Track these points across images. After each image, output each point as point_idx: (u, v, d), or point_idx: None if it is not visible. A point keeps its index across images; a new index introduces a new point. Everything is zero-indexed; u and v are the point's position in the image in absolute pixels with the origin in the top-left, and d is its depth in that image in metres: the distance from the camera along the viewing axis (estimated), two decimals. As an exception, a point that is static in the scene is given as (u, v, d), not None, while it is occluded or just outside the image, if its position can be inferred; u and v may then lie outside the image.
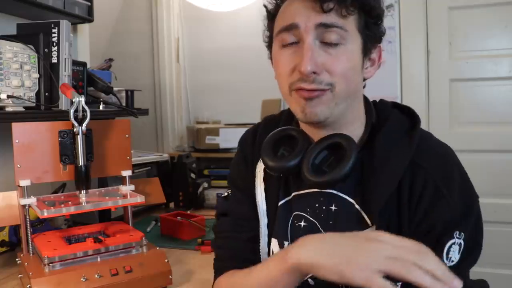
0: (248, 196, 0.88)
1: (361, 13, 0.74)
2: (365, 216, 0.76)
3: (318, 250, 0.63)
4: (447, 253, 0.72)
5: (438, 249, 0.71)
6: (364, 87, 0.83)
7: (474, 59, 2.06)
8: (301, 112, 0.75)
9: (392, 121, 0.80)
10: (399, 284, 0.72)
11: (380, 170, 0.75)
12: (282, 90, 0.78)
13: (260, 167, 0.88)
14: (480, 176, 2.04)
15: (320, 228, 0.80)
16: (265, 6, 0.82)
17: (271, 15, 0.81)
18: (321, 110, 0.74)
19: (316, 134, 0.80)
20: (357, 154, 0.74)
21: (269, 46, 0.83)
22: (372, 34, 0.76)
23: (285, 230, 0.83)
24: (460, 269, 0.71)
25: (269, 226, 0.86)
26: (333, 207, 0.80)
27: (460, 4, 2.06)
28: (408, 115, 0.82)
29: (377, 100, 0.86)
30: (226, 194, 0.94)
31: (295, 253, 0.65)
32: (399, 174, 0.74)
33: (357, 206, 0.77)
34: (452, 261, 0.72)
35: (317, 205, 0.81)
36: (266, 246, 0.85)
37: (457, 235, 0.72)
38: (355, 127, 0.80)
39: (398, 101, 2.10)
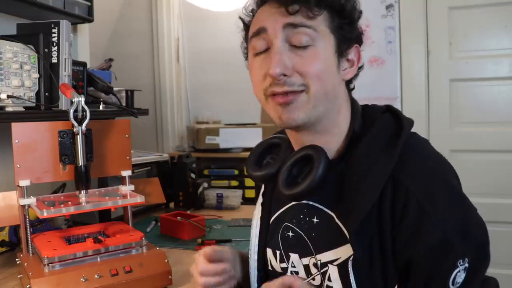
0: None
1: (333, 13, 0.73)
2: (345, 231, 0.72)
3: None
4: (453, 281, 0.67)
5: (440, 279, 0.66)
6: (353, 89, 0.81)
7: (474, 59, 2.06)
8: (278, 118, 0.74)
9: (375, 128, 0.75)
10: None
11: (357, 183, 0.70)
12: (258, 98, 0.77)
13: None
14: (480, 176, 2.08)
15: (306, 239, 0.79)
16: (240, 18, 0.83)
17: (247, 26, 0.82)
18: (298, 115, 0.72)
19: (298, 139, 0.79)
20: (326, 166, 0.71)
21: (247, 56, 0.84)
22: (345, 34, 0.74)
23: (277, 240, 0.85)
24: (468, 286, 0.68)
25: (260, 237, 0.88)
26: (315, 219, 0.78)
27: (460, 4, 2.06)
28: (398, 121, 0.76)
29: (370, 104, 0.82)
30: None
31: None
32: (378, 190, 0.68)
33: (337, 220, 0.74)
34: (458, 282, 0.67)
35: (301, 216, 0.80)
36: (255, 255, 0.88)
37: (461, 263, 0.67)
38: (339, 132, 0.77)
39: (398, 101, 2.10)
